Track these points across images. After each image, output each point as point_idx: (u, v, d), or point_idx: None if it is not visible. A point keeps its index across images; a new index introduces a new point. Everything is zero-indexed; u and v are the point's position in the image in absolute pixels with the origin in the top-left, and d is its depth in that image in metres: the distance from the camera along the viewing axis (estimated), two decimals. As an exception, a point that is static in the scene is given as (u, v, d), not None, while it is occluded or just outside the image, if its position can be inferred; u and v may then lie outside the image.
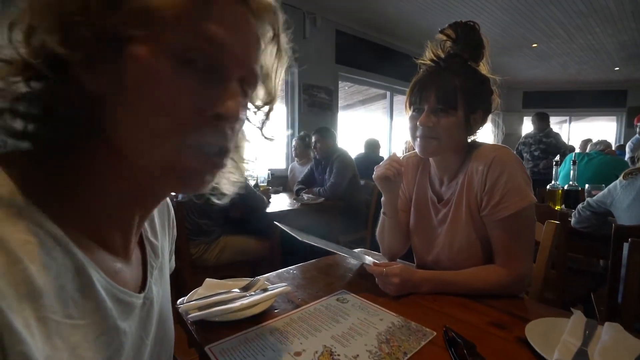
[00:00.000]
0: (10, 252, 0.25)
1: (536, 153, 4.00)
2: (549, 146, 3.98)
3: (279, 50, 0.41)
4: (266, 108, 0.46)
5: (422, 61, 0.90)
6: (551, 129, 4.15)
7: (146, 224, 0.46)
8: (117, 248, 0.37)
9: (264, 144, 0.49)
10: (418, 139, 0.87)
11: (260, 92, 0.44)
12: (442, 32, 0.88)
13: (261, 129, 0.47)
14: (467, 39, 0.86)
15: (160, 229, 0.51)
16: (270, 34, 0.39)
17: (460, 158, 0.89)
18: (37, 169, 0.31)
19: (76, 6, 0.27)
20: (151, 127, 0.31)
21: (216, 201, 0.49)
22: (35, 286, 0.25)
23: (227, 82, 0.34)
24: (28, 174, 0.29)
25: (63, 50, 0.28)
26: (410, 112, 0.89)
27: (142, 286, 0.41)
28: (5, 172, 0.28)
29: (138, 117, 0.31)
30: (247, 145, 0.48)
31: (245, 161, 0.49)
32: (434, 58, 0.88)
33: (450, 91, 0.82)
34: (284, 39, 0.41)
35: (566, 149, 4.01)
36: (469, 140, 0.91)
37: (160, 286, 0.46)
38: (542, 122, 4.10)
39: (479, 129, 0.89)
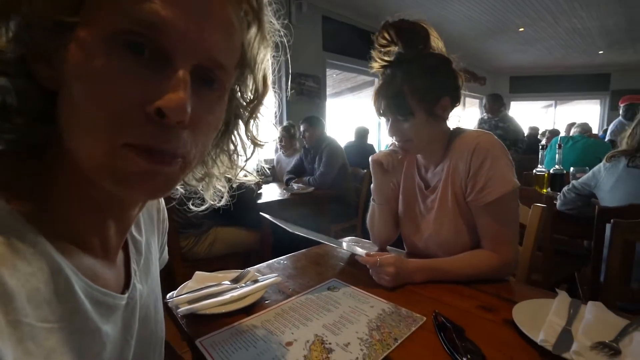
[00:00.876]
0: None
1: None
2: (507, 132, 3.62)
3: (261, 33, 0.36)
4: (253, 104, 0.41)
5: (375, 70, 0.88)
6: (506, 113, 3.80)
7: None
8: (97, 250, 0.35)
9: (252, 147, 0.45)
10: (396, 142, 0.91)
11: (248, 85, 0.40)
12: (377, 38, 0.86)
13: (245, 130, 0.43)
14: (402, 37, 0.83)
15: (148, 222, 0.49)
16: (249, 14, 0.34)
17: (443, 145, 0.90)
18: (9, 170, 0.30)
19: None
20: (87, 122, 0.28)
21: (192, 207, 0.48)
22: (5, 288, 0.24)
23: (173, 71, 0.28)
24: (0, 176, 0.28)
25: (6, 46, 0.26)
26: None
27: (127, 286, 0.40)
28: None
29: (75, 112, 0.28)
30: (232, 148, 0.44)
31: (226, 170, 0.45)
32: (379, 68, 0.87)
33: (400, 100, 0.82)
34: (267, 18, 0.36)
35: (523, 136, 3.73)
36: (453, 127, 0.91)
37: (145, 283, 0.45)
38: (495, 103, 3.73)
39: (450, 112, 0.88)
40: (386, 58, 0.85)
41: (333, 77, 5.22)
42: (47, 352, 0.27)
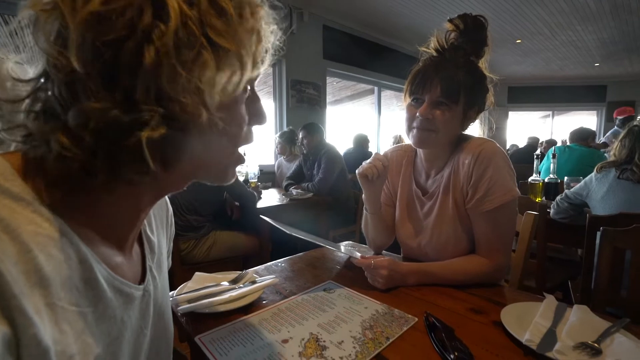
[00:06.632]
0: (22, 242, 0.26)
1: None
2: None
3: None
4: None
5: (426, 50, 0.89)
6: None
7: (144, 220, 0.47)
8: (117, 243, 0.39)
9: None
10: (414, 130, 0.86)
11: None
12: (450, 21, 0.87)
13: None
14: (474, 32, 0.85)
15: (159, 225, 0.52)
16: None
17: (449, 151, 0.91)
18: (44, 170, 0.32)
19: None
20: (224, 151, 0.40)
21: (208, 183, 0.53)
22: (43, 274, 0.27)
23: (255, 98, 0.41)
24: (37, 175, 0.31)
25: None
26: (408, 101, 0.88)
27: (142, 280, 0.43)
28: (17, 172, 0.30)
29: (210, 149, 0.37)
30: None
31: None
32: (439, 48, 0.87)
33: (455, 84, 0.81)
34: None
35: None
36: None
37: (158, 281, 0.48)
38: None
39: (470, 124, 0.90)
40: (444, 43, 0.86)
41: (333, 85, 5.29)
42: (77, 333, 0.30)
